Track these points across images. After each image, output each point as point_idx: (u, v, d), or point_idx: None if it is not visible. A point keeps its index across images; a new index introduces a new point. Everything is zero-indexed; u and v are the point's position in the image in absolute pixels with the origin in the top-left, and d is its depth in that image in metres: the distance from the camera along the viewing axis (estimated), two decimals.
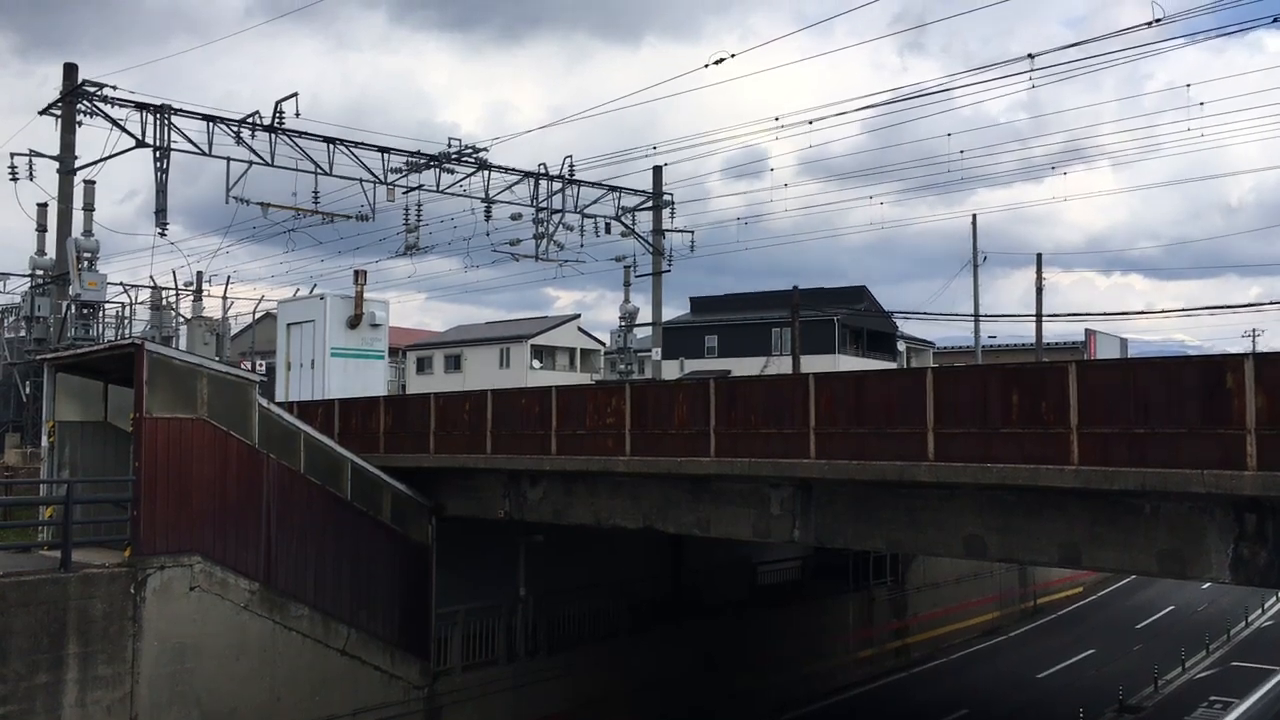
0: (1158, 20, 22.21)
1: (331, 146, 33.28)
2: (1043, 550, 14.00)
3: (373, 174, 34.53)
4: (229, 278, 45.14)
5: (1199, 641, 34.59)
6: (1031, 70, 25.65)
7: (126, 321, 38.98)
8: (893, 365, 62.46)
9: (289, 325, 36.31)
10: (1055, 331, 66.17)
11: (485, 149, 36.78)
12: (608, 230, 41.31)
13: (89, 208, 30.30)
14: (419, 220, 37.29)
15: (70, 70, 30.46)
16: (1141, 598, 43.95)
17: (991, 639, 37.20)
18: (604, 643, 24.67)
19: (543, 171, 38.68)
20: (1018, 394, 13.32)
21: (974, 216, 53.27)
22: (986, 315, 48.00)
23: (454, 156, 36.23)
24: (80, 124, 30.04)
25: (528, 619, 23.45)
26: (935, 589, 35.66)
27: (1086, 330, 66.05)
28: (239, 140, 31.47)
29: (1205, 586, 40.90)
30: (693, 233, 42.98)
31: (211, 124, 30.98)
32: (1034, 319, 48.45)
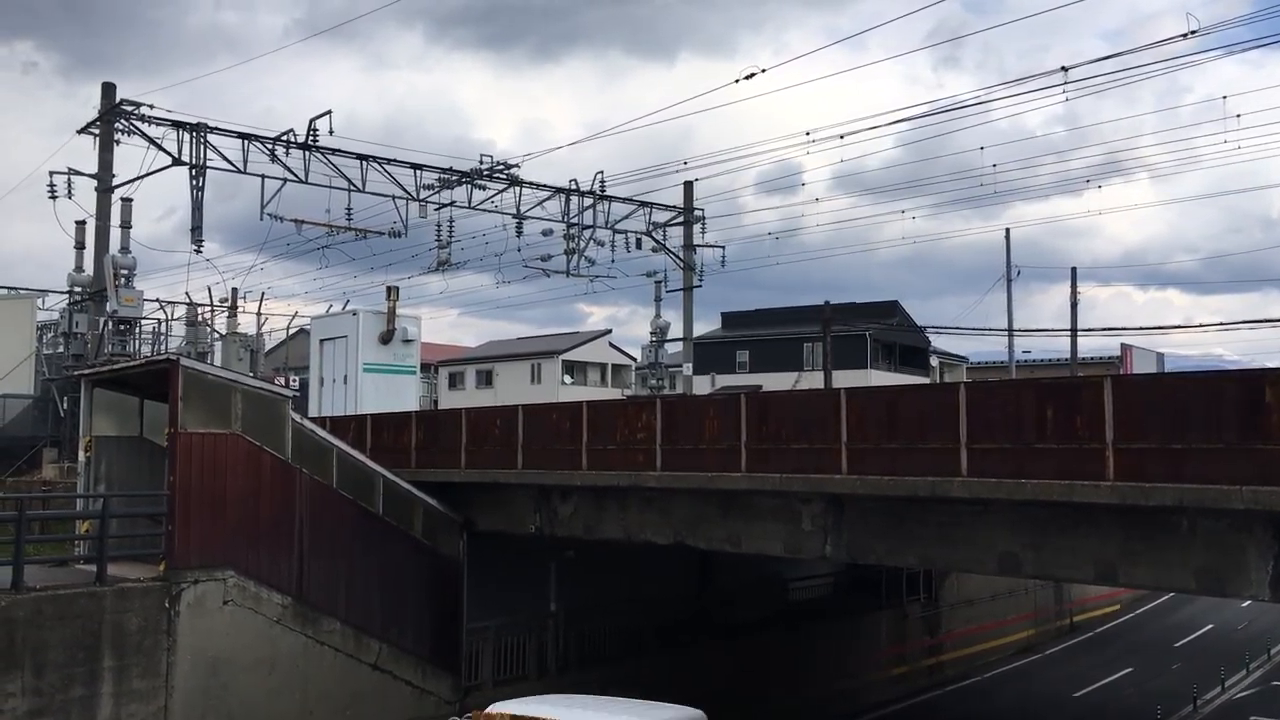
0: (1192, 32, 21.99)
1: (364, 163, 33.53)
2: (1078, 567, 13.85)
3: (405, 190, 34.74)
4: (263, 294, 45.30)
5: (1239, 660, 34.04)
6: (1065, 84, 25.46)
7: (162, 337, 39.38)
8: (925, 380, 62.07)
9: (322, 341, 36.61)
10: (1091, 346, 65.57)
11: (516, 165, 36.92)
12: (639, 246, 41.29)
13: (126, 225, 30.61)
14: (451, 236, 37.41)
15: (108, 89, 30.83)
16: (1180, 615, 43.33)
17: (1027, 657, 36.78)
18: (635, 659, 24.57)
19: (574, 187, 38.80)
20: (1052, 409, 13.20)
21: (1007, 230, 52.77)
22: (1020, 330, 47.62)
23: (485, 173, 36.40)
24: (118, 143, 30.36)
25: (558, 634, 23.41)
26: (969, 606, 35.28)
27: (1122, 345, 65.36)
28: (273, 158, 31.76)
29: (1245, 605, 40.22)
30: (724, 248, 42.93)
31: (246, 142, 31.29)
32: (1069, 334, 48.07)
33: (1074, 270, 48.78)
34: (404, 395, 35.12)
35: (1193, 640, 39.25)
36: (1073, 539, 13.54)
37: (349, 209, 33.42)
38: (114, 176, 30.66)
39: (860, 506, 15.67)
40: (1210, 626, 41.33)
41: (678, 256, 41.92)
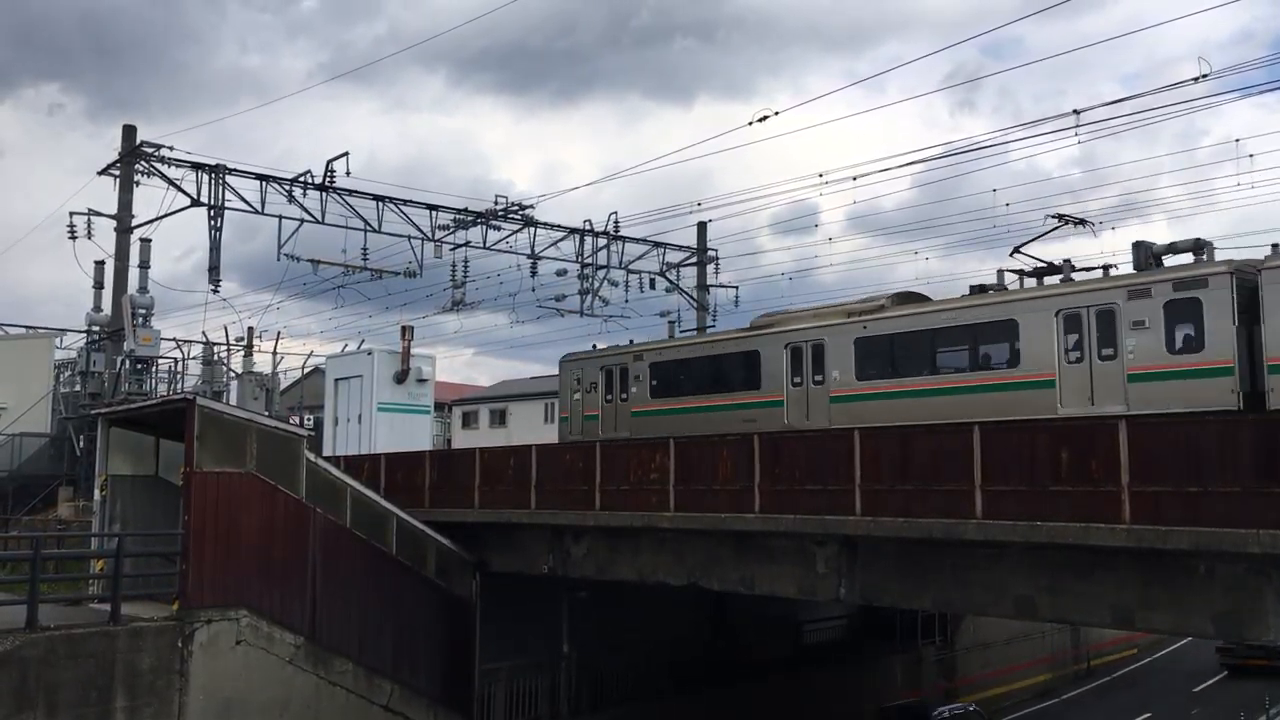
0: (1204, 76, 22.05)
1: (380, 204, 33.79)
2: (1094, 611, 13.75)
3: (421, 231, 34.96)
4: (279, 333, 45.64)
5: (1259, 706, 33.57)
6: (1077, 126, 25.50)
7: (179, 376, 39.61)
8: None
9: (337, 380, 36.68)
10: None
11: (531, 205, 37.16)
12: (652, 286, 41.40)
13: (145, 265, 30.91)
14: (465, 276, 37.63)
15: (129, 132, 31.24)
16: (1198, 659, 42.73)
17: (1044, 701, 36.32)
18: (647, 701, 24.40)
19: (588, 228, 39.00)
20: (1067, 451, 13.16)
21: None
22: None
23: (500, 213, 36.63)
24: (138, 184, 30.71)
25: (571, 676, 23.28)
26: (985, 649, 34.95)
27: None
28: (291, 199, 32.03)
29: None
30: (737, 288, 43.12)
31: (264, 183, 31.58)
32: None
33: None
34: (418, 434, 35.12)
35: (1212, 685, 38.72)
36: (1089, 582, 13.45)
37: (365, 249, 33.67)
38: (133, 217, 31.02)
39: (874, 549, 15.59)
40: (1229, 671, 40.77)
41: (691, 297, 42.05)
